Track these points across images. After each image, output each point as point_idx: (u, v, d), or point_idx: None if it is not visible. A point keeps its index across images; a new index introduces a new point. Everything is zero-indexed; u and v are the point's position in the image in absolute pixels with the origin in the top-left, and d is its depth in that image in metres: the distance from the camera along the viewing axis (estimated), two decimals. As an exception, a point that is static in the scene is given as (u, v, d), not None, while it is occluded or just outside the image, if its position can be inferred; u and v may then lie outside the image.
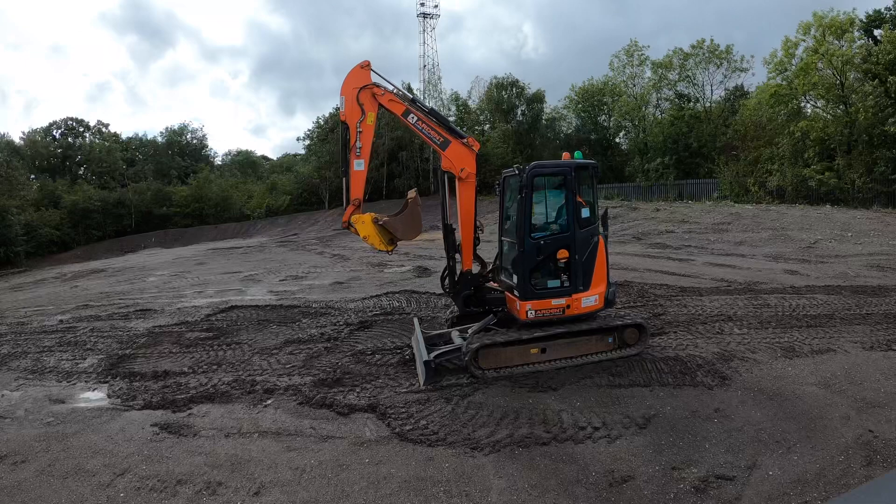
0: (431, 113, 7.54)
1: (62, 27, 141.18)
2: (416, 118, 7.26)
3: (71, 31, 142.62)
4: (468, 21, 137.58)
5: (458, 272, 7.58)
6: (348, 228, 7.17)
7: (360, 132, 7.08)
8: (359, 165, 7.15)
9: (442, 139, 7.26)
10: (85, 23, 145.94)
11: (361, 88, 7.08)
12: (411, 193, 7.52)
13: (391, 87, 7.35)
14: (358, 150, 7.11)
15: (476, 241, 7.49)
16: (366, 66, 7.21)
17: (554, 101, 54.71)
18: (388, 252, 7.30)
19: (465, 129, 54.07)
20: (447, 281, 7.66)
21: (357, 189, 7.18)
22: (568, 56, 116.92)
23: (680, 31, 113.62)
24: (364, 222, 7.06)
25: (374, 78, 7.24)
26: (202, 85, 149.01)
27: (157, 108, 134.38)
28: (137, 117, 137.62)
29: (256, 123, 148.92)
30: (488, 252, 8.24)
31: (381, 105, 7.23)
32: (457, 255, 7.54)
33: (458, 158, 7.23)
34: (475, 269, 7.65)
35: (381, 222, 7.05)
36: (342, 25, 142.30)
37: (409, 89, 53.68)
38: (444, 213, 7.45)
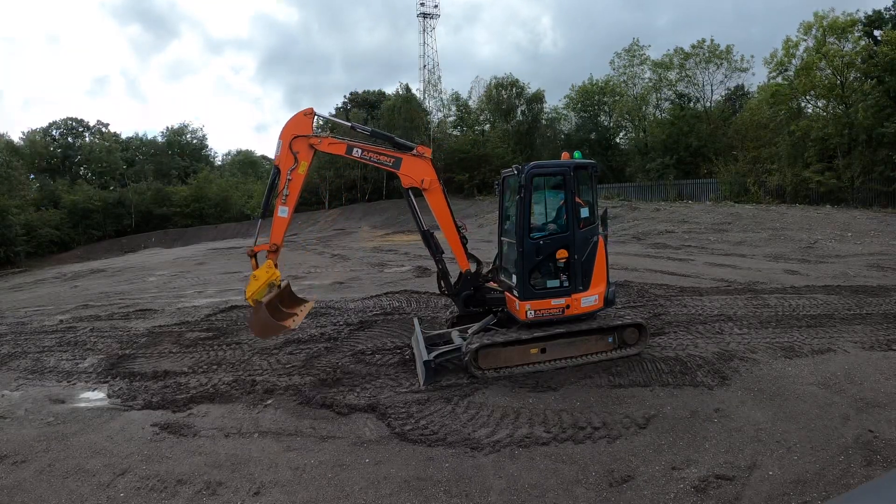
0: (374, 135, 7.56)
1: (60, 18, 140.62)
2: (360, 151, 7.28)
3: (69, 22, 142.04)
4: (485, 13, 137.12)
5: (449, 272, 7.61)
6: (251, 258, 7.19)
7: (289, 180, 7.10)
8: (283, 212, 7.17)
9: (393, 160, 7.27)
10: (84, 12, 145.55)
11: (296, 137, 7.08)
12: (298, 313, 7.39)
13: (326, 134, 7.40)
14: (284, 198, 7.14)
15: (463, 239, 7.51)
16: (308, 114, 7.23)
17: (560, 99, 54.80)
18: (248, 301, 7.19)
19: (465, 129, 54.30)
20: (443, 282, 7.67)
21: (277, 234, 7.22)
22: (589, 51, 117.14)
23: (699, 26, 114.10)
24: (265, 275, 7.03)
25: (322, 110, 7.38)
26: (205, 79, 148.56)
27: (159, 104, 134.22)
28: (138, 113, 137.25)
29: (260, 120, 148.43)
30: (488, 252, 8.24)
31: (320, 152, 7.28)
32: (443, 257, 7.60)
33: (415, 171, 7.23)
34: (472, 267, 7.65)
35: (265, 296, 6.92)
36: (356, 17, 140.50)
37: (408, 89, 53.79)
38: (419, 224, 7.50)
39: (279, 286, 7.28)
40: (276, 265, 7.20)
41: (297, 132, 7.11)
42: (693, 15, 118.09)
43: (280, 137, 7.15)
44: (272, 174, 7.25)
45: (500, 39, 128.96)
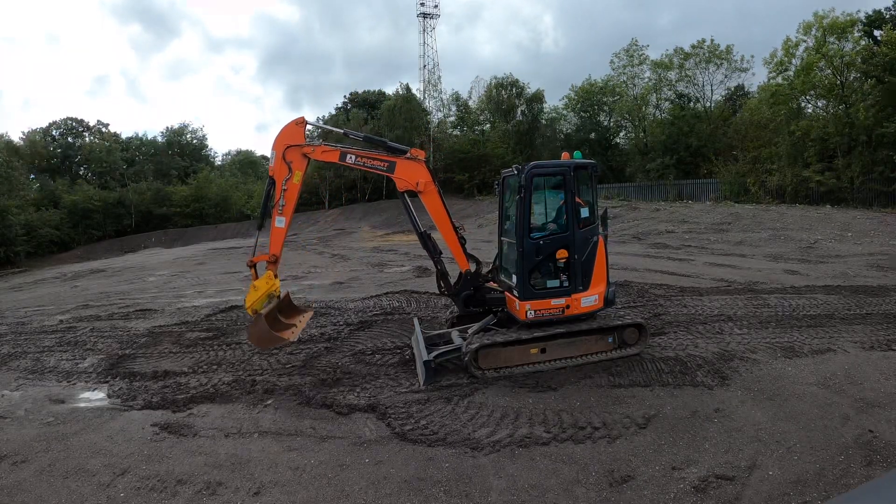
0: (367, 140, 7.59)
1: (60, 17, 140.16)
2: (354, 157, 7.30)
3: (69, 21, 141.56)
4: (486, 12, 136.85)
5: (448, 273, 7.63)
6: (251, 268, 7.24)
7: (284, 190, 7.12)
8: (280, 223, 7.22)
9: (387, 164, 7.29)
10: (84, 11, 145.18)
11: (289, 147, 7.08)
12: (297, 324, 7.38)
13: (319, 142, 7.43)
14: (280, 208, 7.16)
15: (461, 240, 7.53)
16: (300, 123, 7.24)
17: (559, 99, 54.67)
18: (248, 311, 7.22)
19: (465, 129, 54.21)
20: (443, 283, 7.68)
21: (276, 245, 7.26)
22: (591, 51, 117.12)
23: (701, 25, 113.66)
24: (265, 285, 7.04)
25: (311, 119, 7.38)
26: (206, 78, 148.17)
27: (159, 103, 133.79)
28: (138, 113, 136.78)
29: (260, 120, 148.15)
30: (488, 252, 8.24)
31: (314, 160, 7.32)
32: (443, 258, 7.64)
33: (410, 174, 7.25)
34: (472, 267, 7.66)
35: (264, 308, 6.94)
36: (357, 16, 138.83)
37: (408, 89, 53.80)
38: (415, 227, 7.54)
39: (278, 296, 7.31)
40: (276, 276, 7.22)
41: (289, 142, 7.12)
42: (695, 14, 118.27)
43: (273, 148, 7.16)
44: (267, 185, 7.27)
45: (501, 38, 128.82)
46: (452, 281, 7.68)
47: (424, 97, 55.51)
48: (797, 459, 4.66)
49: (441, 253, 7.60)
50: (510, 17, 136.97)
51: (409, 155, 7.29)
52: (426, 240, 7.51)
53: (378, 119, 52.55)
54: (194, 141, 76.55)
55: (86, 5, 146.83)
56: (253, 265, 7.25)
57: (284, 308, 7.65)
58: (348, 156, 7.26)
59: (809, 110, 32.29)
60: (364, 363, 7.53)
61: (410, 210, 7.47)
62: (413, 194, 7.35)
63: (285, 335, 6.92)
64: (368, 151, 7.43)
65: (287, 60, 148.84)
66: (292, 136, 7.15)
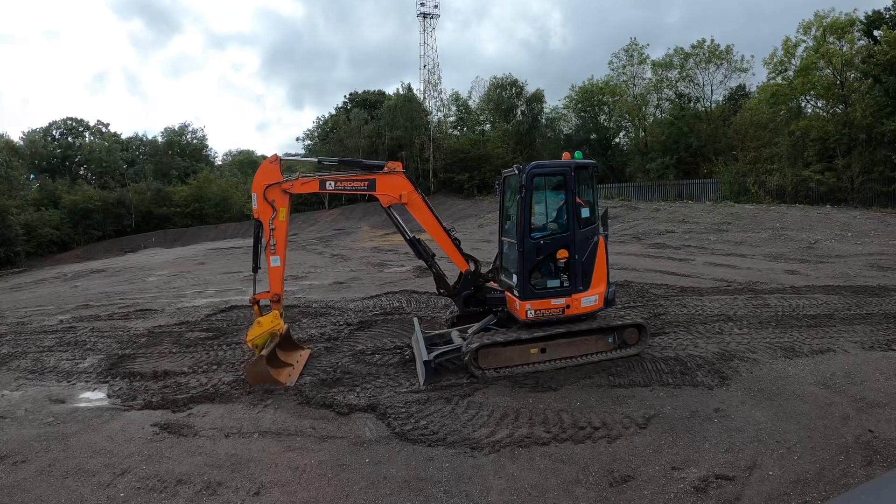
0: (342, 163, 7.65)
1: (59, 13, 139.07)
2: (333, 183, 7.32)
3: (69, 17, 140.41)
4: (494, 8, 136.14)
5: (444, 274, 7.67)
6: (253, 306, 7.29)
7: (273, 229, 7.14)
8: (275, 262, 7.23)
9: (367, 183, 7.30)
10: (84, 7, 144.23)
11: (268, 186, 7.09)
12: (295, 365, 7.40)
13: (296, 175, 7.44)
14: (273, 248, 7.17)
15: (456, 241, 7.54)
16: (275, 161, 7.24)
17: (559, 99, 54.58)
18: (248, 344, 7.20)
19: (465, 129, 54.17)
20: (440, 284, 7.70)
21: (276, 284, 7.27)
22: (599, 49, 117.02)
23: (708, 24, 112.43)
24: (270, 323, 7.03)
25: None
26: (207, 76, 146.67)
27: (159, 101, 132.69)
28: (138, 110, 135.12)
29: (262, 119, 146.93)
30: (488, 252, 8.24)
31: (294, 194, 7.33)
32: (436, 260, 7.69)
33: (391, 188, 7.26)
34: (471, 267, 7.66)
35: (265, 347, 6.97)
36: (363, 13, 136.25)
37: (409, 88, 53.82)
38: (403, 234, 7.58)
39: (281, 333, 7.35)
40: (281, 314, 7.26)
41: (267, 181, 7.13)
42: (703, 12, 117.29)
43: (253, 191, 7.19)
44: (255, 227, 7.29)
45: (508, 36, 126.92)
46: (451, 282, 7.68)
47: (424, 97, 55.53)
48: (797, 459, 4.66)
49: (434, 255, 7.63)
50: (518, 13, 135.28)
51: (386, 169, 7.29)
52: (416, 245, 7.56)
53: (379, 119, 52.53)
54: (194, 141, 76.50)
55: (85, 0, 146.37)
56: (256, 302, 7.31)
57: (283, 342, 7.69)
58: (328, 183, 7.30)
59: (809, 110, 32.31)
60: (364, 363, 7.53)
61: (397, 220, 7.53)
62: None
63: (282, 378, 6.92)
64: (346, 174, 7.43)
65: (290, 58, 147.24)
66: (269, 176, 7.16)
